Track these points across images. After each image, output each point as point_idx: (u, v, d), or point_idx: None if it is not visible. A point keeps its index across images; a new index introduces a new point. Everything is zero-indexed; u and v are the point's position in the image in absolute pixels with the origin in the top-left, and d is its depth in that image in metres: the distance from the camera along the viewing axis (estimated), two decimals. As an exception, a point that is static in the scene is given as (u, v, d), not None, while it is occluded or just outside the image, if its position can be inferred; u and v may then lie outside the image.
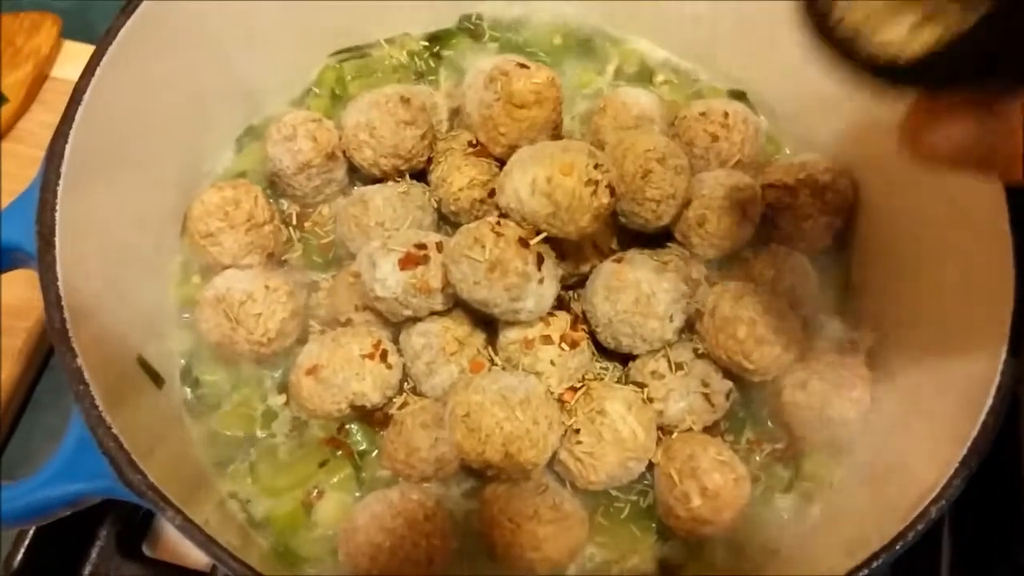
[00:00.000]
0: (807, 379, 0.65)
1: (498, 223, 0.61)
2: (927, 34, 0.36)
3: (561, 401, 0.64)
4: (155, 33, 0.66)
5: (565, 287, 0.68)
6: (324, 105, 0.81)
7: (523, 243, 0.60)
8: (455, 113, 0.75)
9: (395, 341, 0.68)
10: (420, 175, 0.74)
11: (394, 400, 0.67)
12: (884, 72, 0.38)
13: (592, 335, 0.67)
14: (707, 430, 0.66)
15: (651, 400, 0.65)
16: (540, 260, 0.61)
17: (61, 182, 0.58)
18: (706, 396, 0.65)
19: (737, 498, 0.62)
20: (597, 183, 0.59)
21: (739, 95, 0.83)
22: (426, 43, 0.84)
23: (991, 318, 0.58)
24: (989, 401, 0.55)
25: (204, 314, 0.67)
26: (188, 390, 0.70)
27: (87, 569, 0.73)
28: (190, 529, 0.51)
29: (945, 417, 0.58)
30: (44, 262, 0.56)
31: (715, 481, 0.61)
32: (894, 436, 0.64)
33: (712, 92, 0.84)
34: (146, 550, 0.75)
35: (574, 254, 0.68)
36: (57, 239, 0.57)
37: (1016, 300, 0.57)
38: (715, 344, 0.65)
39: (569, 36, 0.86)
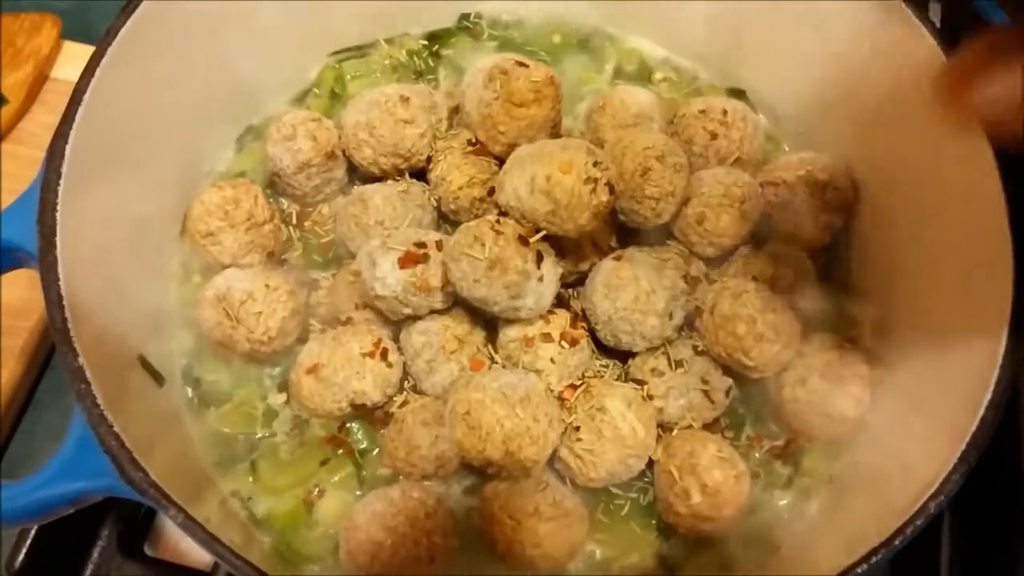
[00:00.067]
0: (807, 376, 0.66)
1: (498, 221, 0.61)
2: None
3: (561, 399, 0.64)
4: (155, 33, 0.66)
5: (565, 285, 0.68)
6: (324, 105, 0.81)
7: (523, 241, 0.60)
8: (454, 112, 0.76)
9: (395, 339, 0.69)
10: (420, 174, 0.74)
11: (394, 398, 0.67)
12: None
13: (592, 333, 0.67)
14: (707, 427, 0.67)
15: (651, 397, 0.65)
16: (540, 258, 0.61)
17: (62, 182, 0.58)
18: (706, 393, 0.65)
19: (737, 495, 0.62)
20: (596, 181, 0.59)
21: (738, 93, 0.83)
22: (425, 42, 0.84)
23: (990, 314, 0.58)
24: (988, 397, 0.55)
25: (205, 313, 0.67)
26: (189, 389, 0.70)
27: (89, 569, 0.73)
28: (192, 527, 0.51)
29: (944, 413, 0.58)
30: (45, 262, 0.56)
31: (715, 478, 0.61)
32: (893, 432, 0.64)
33: (711, 90, 0.84)
34: (147, 550, 0.75)
35: (574, 252, 0.68)
36: (58, 239, 0.57)
37: (1015, 297, 0.57)
38: (715, 341, 0.65)
39: (568, 35, 0.86)
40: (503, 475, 0.62)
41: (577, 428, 0.62)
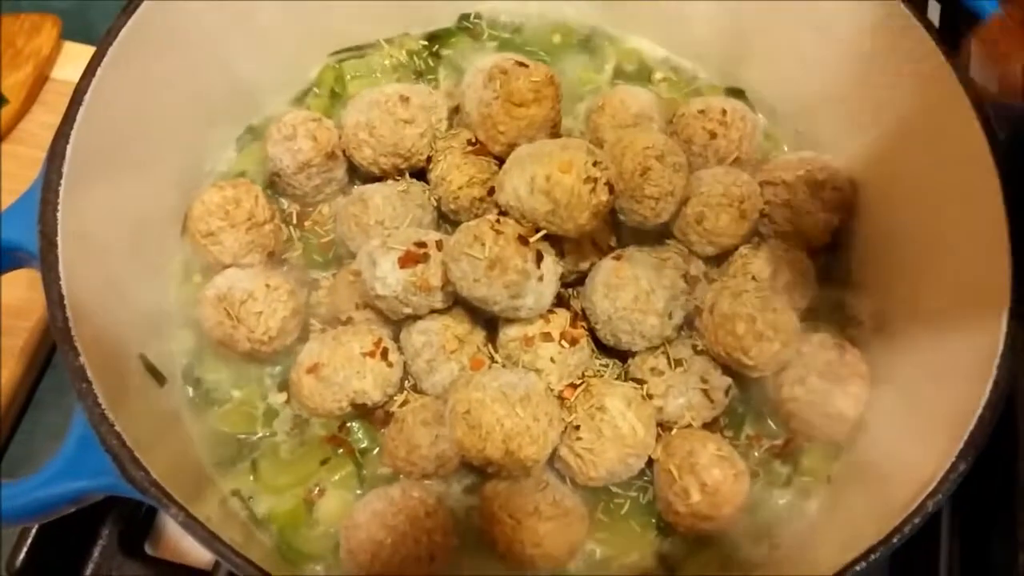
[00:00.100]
0: (806, 375, 0.66)
1: (497, 221, 0.61)
2: None
3: (561, 398, 0.64)
4: (156, 33, 0.66)
5: (564, 284, 0.69)
6: (324, 105, 0.81)
7: (522, 241, 0.60)
8: (454, 112, 0.76)
9: (396, 339, 0.69)
10: (420, 174, 0.75)
11: (395, 398, 0.67)
12: None
13: (592, 332, 0.67)
14: (706, 426, 0.67)
15: (650, 396, 0.65)
16: (539, 258, 0.61)
17: (63, 182, 0.58)
18: (705, 392, 0.66)
19: (736, 494, 0.62)
20: (596, 180, 0.59)
21: (737, 93, 0.83)
22: (425, 42, 0.85)
23: (987, 315, 0.58)
24: (985, 396, 0.56)
25: (205, 313, 0.67)
26: (190, 388, 0.70)
27: (89, 568, 0.73)
28: (193, 525, 0.51)
29: (942, 412, 0.59)
30: (47, 261, 0.56)
31: (714, 477, 0.61)
32: (891, 431, 0.64)
33: (710, 90, 0.84)
34: (148, 549, 0.75)
35: (573, 251, 0.68)
36: (59, 239, 0.57)
37: (1012, 298, 0.57)
38: (714, 340, 0.65)
39: (568, 35, 0.86)
40: (503, 474, 0.62)
41: (577, 427, 0.62)
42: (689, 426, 0.66)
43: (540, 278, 0.61)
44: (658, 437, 0.65)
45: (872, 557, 0.52)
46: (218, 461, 0.67)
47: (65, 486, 0.54)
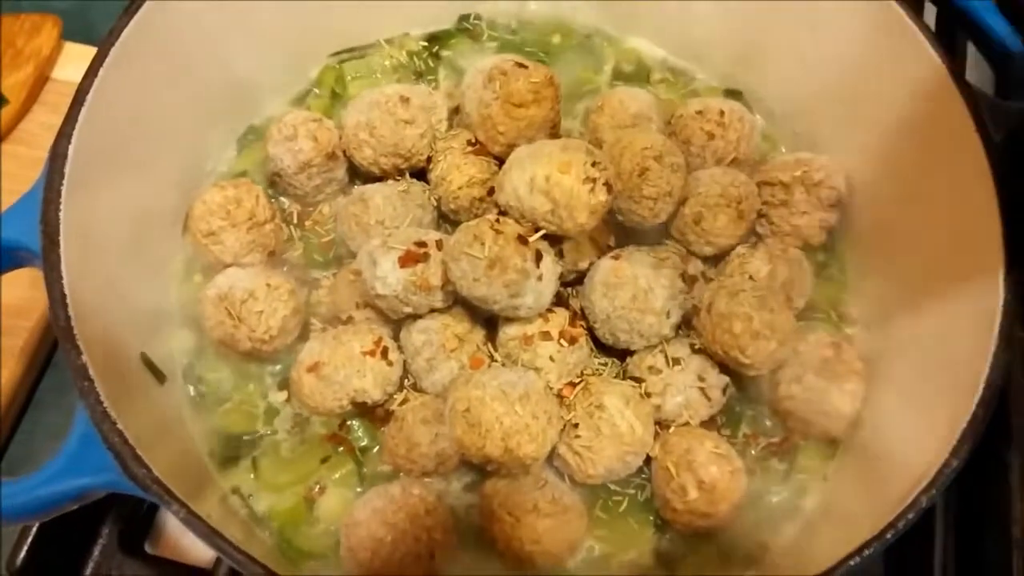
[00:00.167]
0: (802, 373, 0.66)
1: (497, 221, 0.62)
2: None
3: (560, 396, 0.65)
4: (157, 34, 0.66)
5: (564, 284, 0.69)
6: (324, 105, 0.81)
7: (522, 240, 0.61)
8: (454, 112, 0.76)
9: (396, 338, 0.69)
10: (420, 174, 0.75)
11: (395, 396, 0.68)
12: None
13: (590, 331, 0.68)
14: (704, 424, 0.67)
15: (649, 395, 0.66)
16: (539, 257, 0.61)
17: (65, 182, 0.59)
18: (703, 391, 0.66)
19: (733, 491, 0.62)
20: (595, 181, 0.59)
21: (735, 94, 0.84)
22: (425, 43, 0.85)
23: (981, 314, 0.59)
24: (979, 394, 0.56)
25: (206, 312, 0.68)
26: (190, 387, 0.70)
27: (90, 567, 0.73)
28: (194, 522, 0.52)
29: (936, 409, 0.59)
30: (49, 261, 0.57)
31: (712, 474, 0.62)
32: (886, 428, 0.65)
33: (708, 91, 0.85)
34: (148, 548, 0.75)
35: (572, 251, 0.68)
36: (62, 238, 0.57)
37: (1005, 298, 0.58)
38: (711, 339, 0.66)
39: (567, 35, 0.87)
40: (502, 472, 0.62)
41: (576, 425, 0.63)
42: (687, 424, 0.66)
43: (539, 277, 0.61)
44: (656, 435, 0.65)
45: (866, 552, 0.52)
46: (219, 459, 0.67)
47: (67, 483, 0.55)
